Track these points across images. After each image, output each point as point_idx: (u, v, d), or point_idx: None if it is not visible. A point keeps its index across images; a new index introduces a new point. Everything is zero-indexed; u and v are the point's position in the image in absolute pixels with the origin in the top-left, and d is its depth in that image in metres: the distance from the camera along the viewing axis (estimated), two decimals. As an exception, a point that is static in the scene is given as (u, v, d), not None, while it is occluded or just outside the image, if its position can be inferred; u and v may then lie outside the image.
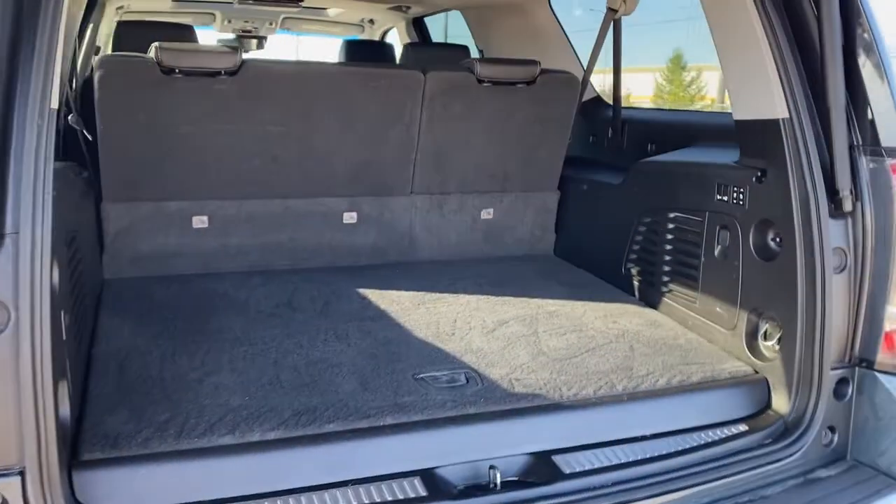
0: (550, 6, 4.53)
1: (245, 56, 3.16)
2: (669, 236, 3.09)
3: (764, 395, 2.51)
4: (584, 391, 2.36)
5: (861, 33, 2.34)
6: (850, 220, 2.38)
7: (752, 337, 2.63)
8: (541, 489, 2.02)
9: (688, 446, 2.29)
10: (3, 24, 1.64)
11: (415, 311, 3.02)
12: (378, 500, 1.94)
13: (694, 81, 34.23)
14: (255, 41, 6.92)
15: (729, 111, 2.76)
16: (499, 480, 2.01)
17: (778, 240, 2.51)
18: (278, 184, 3.43)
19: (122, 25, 4.58)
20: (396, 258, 3.77)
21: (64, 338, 1.94)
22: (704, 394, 2.47)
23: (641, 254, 3.30)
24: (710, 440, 2.33)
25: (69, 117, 3.05)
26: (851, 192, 2.36)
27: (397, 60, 5.49)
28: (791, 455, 2.33)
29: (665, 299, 3.11)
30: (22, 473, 1.63)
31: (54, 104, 1.71)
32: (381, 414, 2.15)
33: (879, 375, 2.37)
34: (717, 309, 2.78)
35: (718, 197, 2.78)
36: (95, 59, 3.08)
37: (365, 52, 5.90)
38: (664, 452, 2.24)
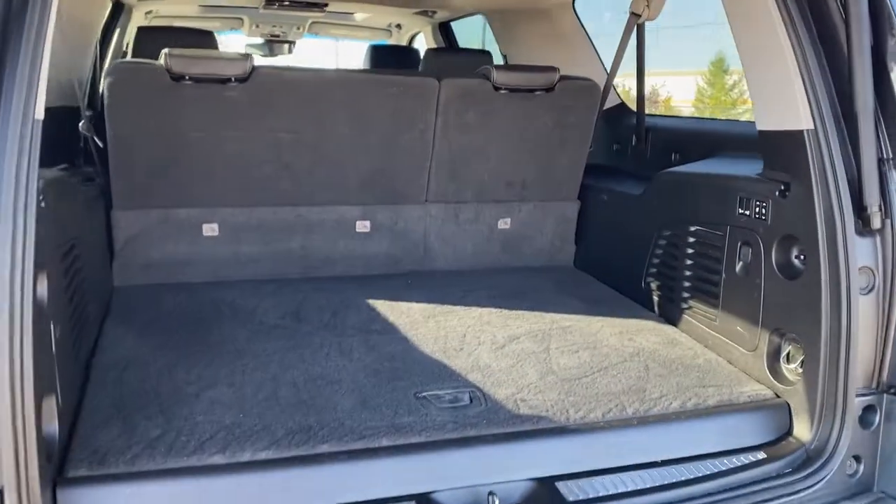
0: (575, 11, 4.44)
1: (257, 62, 3.13)
2: (690, 251, 2.97)
3: (785, 421, 2.38)
4: (592, 414, 2.26)
5: (892, 38, 2.20)
6: (878, 238, 2.25)
7: (773, 359, 2.50)
8: None
9: (701, 474, 2.17)
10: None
11: (424, 324, 2.95)
12: None
13: (736, 85, 33.67)
14: (286, 45, 6.95)
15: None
16: None
17: (802, 257, 2.38)
18: (290, 191, 3.39)
19: (141, 31, 4.60)
20: (410, 268, 3.70)
21: (54, 351, 1.90)
22: (721, 418, 2.36)
23: (661, 268, 3.18)
24: (725, 468, 2.21)
25: (80, 124, 3.05)
26: (880, 209, 2.22)
27: None
28: (813, 486, 2.20)
29: (685, 316, 2.99)
30: (0, 492, 1.59)
31: (39, 115, 1.67)
32: (377, 435, 2.07)
33: (909, 404, 2.23)
34: (738, 328, 2.65)
35: (740, 211, 2.66)
36: (107, 66, 3.06)
37: (389, 57, 5.87)
38: (675, 480, 2.14)
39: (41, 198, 1.78)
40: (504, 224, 3.80)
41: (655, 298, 3.22)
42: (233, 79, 3.05)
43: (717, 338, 2.78)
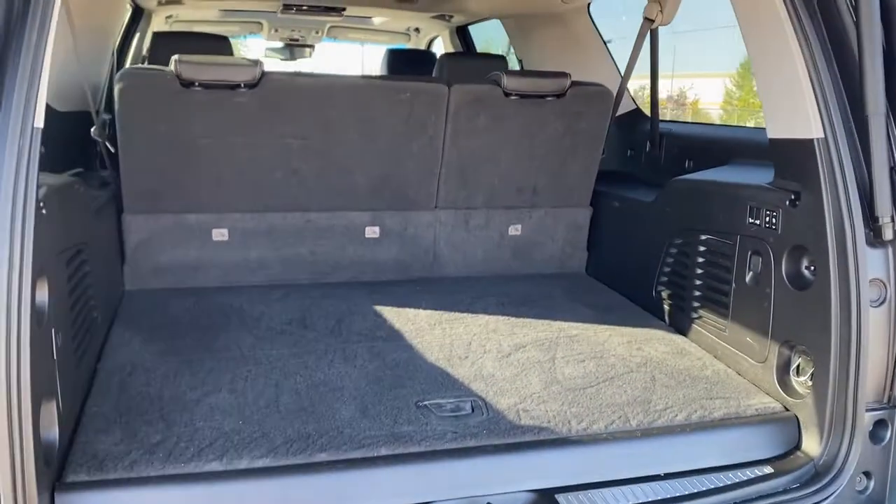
0: (590, 16, 4.41)
1: (270, 68, 3.14)
2: (700, 259, 2.92)
3: (794, 435, 2.34)
4: (595, 425, 2.24)
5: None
6: (890, 250, 2.19)
7: (783, 371, 2.45)
8: None
9: (705, 488, 2.14)
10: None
11: (430, 331, 2.93)
12: None
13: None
14: (306, 49, 6.98)
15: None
16: None
17: (812, 268, 2.33)
18: (299, 197, 3.40)
19: (157, 36, 4.64)
20: (420, 274, 3.68)
21: (55, 357, 1.91)
22: (727, 431, 2.32)
23: (672, 276, 3.14)
24: (730, 482, 2.17)
25: (92, 130, 3.08)
26: (893, 219, 2.17)
27: None
28: (821, 502, 2.16)
29: (694, 326, 2.95)
30: None
31: (38, 123, 1.68)
32: (375, 444, 2.07)
33: (922, 419, 2.18)
34: (748, 339, 2.61)
35: (750, 220, 2.61)
36: (118, 73, 3.09)
37: (406, 61, 5.87)
38: (678, 494, 2.10)
39: (42, 205, 1.79)
40: (515, 230, 3.78)
41: (666, 307, 3.18)
42: (242, 85, 3.06)
43: (726, 348, 2.73)
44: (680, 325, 3.05)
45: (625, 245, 3.64)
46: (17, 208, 1.61)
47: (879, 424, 2.22)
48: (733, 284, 2.71)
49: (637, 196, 3.56)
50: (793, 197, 2.38)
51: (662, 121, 3.88)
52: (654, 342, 2.90)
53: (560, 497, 2.03)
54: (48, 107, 3.20)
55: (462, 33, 6.28)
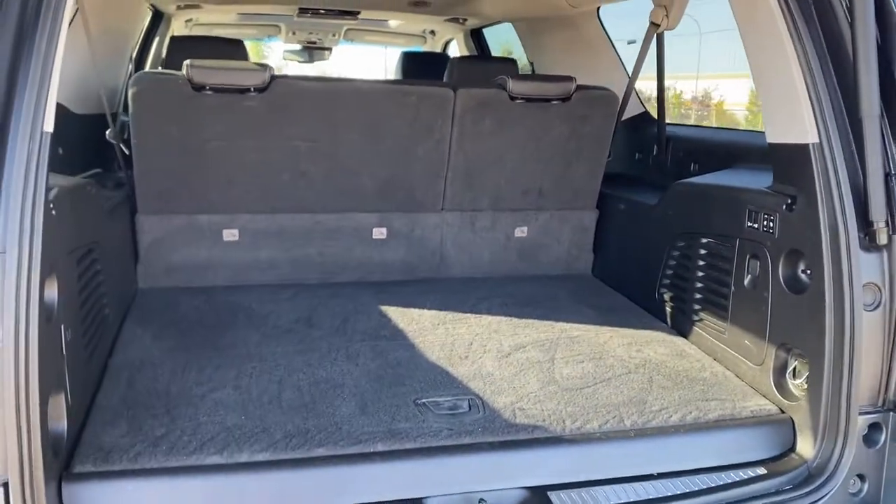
0: (599, 19, 4.43)
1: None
2: (701, 262, 2.95)
3: (788, 438, 2.35)
4: (588, 425, 2.27)
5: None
6: (885, 254, 2.20)
7: (780, 374, 2.47)
8: None
9: (697, 488, 2.16)
10: (3, 46, 1.70)
11: (433, 331, 2.99)
12: None
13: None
14: (325, 52, 7.07)
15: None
16: None
17: (808, 272, 2.35)
18: (308, 198, 3.46)
19: (174, 40, 4.74)
20: (427, 275, 3.73)
21: (64, 352, 1.99)
22: (721, 433, 2.34)
23: (674, 279, 3.17)
24: (723, 483, 2.20)
25: (107, 132, 3.17)
26: (887, 224, 2.17)
27: None
28: (814, 503, 2.17)
29: (695, 328, 2.97)
30: (5, 486, 1.68)
31: (48, 127, 1.75)
32: (372, 440, 2.12)
33: (915, 423, 2.19)
34: (746, 342, 2.63)
35: (749, 224, 2.63)
36: (132, 77, 3.18)
37: (420, 64, 5.93)
38: (670, 494, 2.13)
39: (52, 206, 1.86)
40: (521, 232, 3.82)
41: (668, 309, 3.20)
42: (252, 89, 3.13)
43: (725, 351, 2.75)
44: (681, 328, 3.08)
45: (629, 247, 3.67)
46: (27, 209, 1.67)
47: (874, 428, 2.23)
48: (732, 287, 2.73)
49: (642, 199, 3.59)
50: (789, 201, 2.40)
51: (669, 124, 3.90)
52: (655, 344, 2.93)
53: (552, 494, 2.07)
54: (67, 109, 3.29)
55: (476, 36, 6.33)
